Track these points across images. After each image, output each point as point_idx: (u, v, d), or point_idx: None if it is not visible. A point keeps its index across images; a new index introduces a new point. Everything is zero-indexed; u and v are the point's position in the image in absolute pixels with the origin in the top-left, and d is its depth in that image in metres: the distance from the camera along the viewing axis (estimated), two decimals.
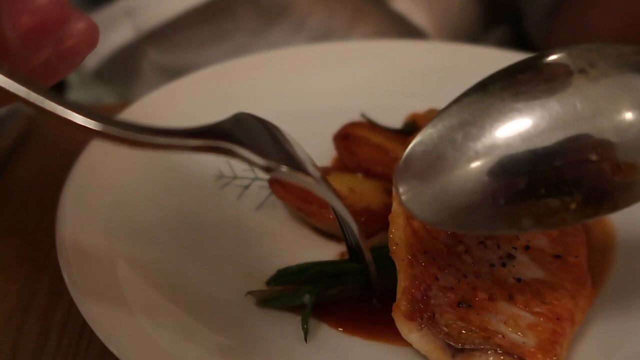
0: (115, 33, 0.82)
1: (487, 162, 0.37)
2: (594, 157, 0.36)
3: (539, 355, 0.36)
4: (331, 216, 0.49)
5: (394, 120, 0.61)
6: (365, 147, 0.56)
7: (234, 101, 0.61)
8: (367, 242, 0.47)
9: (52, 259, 0.51)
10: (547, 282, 0.40)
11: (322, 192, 0.36)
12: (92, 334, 0.44)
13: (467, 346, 0.36)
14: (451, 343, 0.37)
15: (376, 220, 0.49)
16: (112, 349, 0.32)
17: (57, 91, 1.11)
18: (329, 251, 0.49)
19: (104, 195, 0.47)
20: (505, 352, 0.36)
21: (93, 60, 0.89)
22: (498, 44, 0.83)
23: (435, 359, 0.37)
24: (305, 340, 0.40)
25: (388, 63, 0.66)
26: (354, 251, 0.44)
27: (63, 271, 0.37)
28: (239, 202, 0.53)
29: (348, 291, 0.44)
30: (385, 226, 0.49)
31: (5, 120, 0.67)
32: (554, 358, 0.36)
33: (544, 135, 0.37)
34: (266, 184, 0.53)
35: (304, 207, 0.50)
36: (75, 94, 1.02)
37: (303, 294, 0.42)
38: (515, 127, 0.37)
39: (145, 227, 0.46)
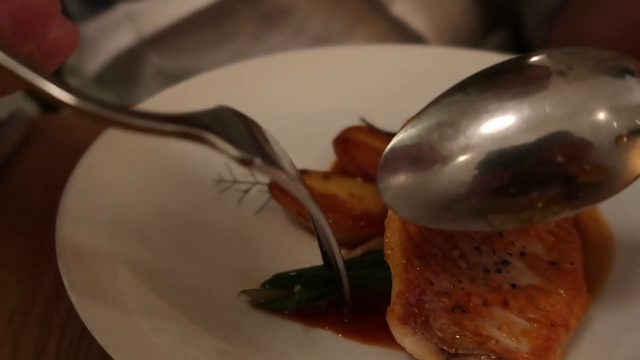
0: (116, 38, 0.83)
1: (461, 161, 0.38)
2: (563, 158, 0.37)
3: None
4: (330, 220, 0.49)
5: (393, 124, 0.61)
6: (364, 152, 0.56)
7: (235, 105, 0.62)
8: (354, 249, 0.48)
9: (53, 262, 0.51)
10: (542, 289, 0.40)
11: (295, 190, 0.36)
12: (91, 336, 0.44)
13: (460, 351, 0.37)
14: (445, 348, 0.37)
15: (375, 224, 0.49)
16: (111, 352, 0.33)
17: None
18: None
19: (103, 199, 0.47)
20: (499, 358, 0.36)
21: (94, 65, 0.89)
22: (497, 48, 0.83)
23: None
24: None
25: (388, 68, 0.66)
26: (327, 258, 0.44)
27: (62, 275, 0.37)
28: (238, 207, 0.54)
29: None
30: (383, 230, 0.49)
31: (6, 124, 0.67)
32: None
33: (517, 136, 0.38)
34: (266, 188, 0.54)
35: (303, 211, 0.50)
36: None
37: (296, 297, 0.43)
38: (489, 128, 0.38)
39: (145, 231, 0.46)
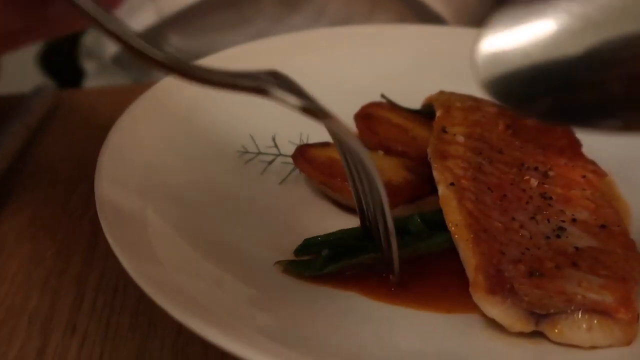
0: (138, 18, 0.84)
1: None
2: None
3: (621, 309, 0.37)
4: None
5: (412, 102, 0.62)
6: (385, 126, 0.58)
7: None
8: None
9: (85, 228, 0.53)
10: (601, 249, 0.42)
11: (350, 138, 0.39)
12: (125, 295, 0.47)
13: (552, 310, 0.38)
14: (536, 310, 0.38)
15: (396, 194, 0.50)
16: (154, 296, 0.34)
17: (75, 81, 1.13)
18: (351, 224, 0.50)
19: (136, 162, 0.48)
20: (591, 310, 0.37)
21: (113, 45, 0.91)
22: None
23: (518, 330, 0.38)
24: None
25: (407, 47, 0.67)
26: (367, 217, 0.44)
27: (104, 229, 0.39)
28: (262, 177, 0.55)
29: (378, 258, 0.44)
30: (405, 200, 0.51)
31: (33, 98, 0.69)
32: (635, 312, 0.38)
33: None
34: (288, 160, 0.55)
35: (327, 180, 0.52)
36: (92, 82, 1.03)
37: (321, 261, 0.43)
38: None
39: (175, 194, 0.48)
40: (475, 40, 0.34)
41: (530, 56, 0.33)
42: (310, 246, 0.46)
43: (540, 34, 0.33)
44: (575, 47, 0.32)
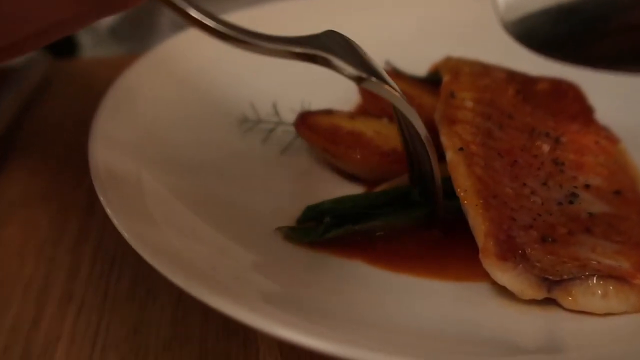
0: None
1: None
2: None
3: (638, 275, 0.36)
4: (358, 156, 0.50)
5: (417, 70, 0.60)
6: None
7: None
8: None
9: (79, 198, 0.52)
10: (615, 215, 0.40)
11: (403, 105, 0.39)
12: (122, 264, 0.45)
13: (565, 276, 0.36)
14: (549, 277, 0.36)
15: (402, 161, 0.49)
16: (154, 263, 0.33)
17: (70, 53, 1.10)
18: (355, 192, 0.49)
19: (133, 130, 0.47)
20: (606, 276, 0.36)
21: (109, 18, 0.88)
22: None
23: (530, 296, 0.37)
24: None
25: (412, 14, 0.66)
26: (416, 176, 0.45)
27: (98, 193, 0.37)
28: (264, 146, 0.53)
29: (384, 225, 0.44)
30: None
31: (26, 67, 0.67)
32: None
33: None
34: (290, 128, 0.53)
35: (330, 148, 0.50)
36: (87, 54, 1.01)
37: (323, 227, 0.42)
38: None
39: (173, 159, 0.46)
40: None
41: None
42: (313, 213, 0.45)
43: None
44: None
